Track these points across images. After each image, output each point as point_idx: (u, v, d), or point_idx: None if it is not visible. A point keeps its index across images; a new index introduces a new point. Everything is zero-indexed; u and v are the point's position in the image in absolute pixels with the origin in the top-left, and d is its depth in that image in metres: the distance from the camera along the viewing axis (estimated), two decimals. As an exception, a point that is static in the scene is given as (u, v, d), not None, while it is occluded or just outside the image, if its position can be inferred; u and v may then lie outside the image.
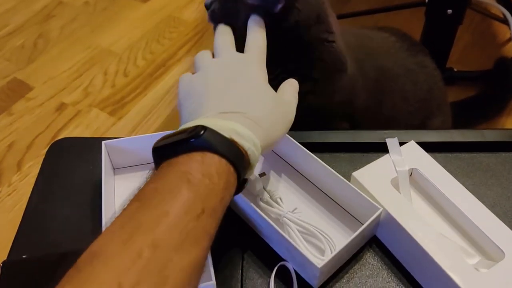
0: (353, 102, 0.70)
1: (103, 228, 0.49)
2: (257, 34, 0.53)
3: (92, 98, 1.38)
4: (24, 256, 0.52)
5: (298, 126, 0.51)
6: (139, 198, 0.37)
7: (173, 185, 0.37)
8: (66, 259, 0.50)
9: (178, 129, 0.42)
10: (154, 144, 0.42)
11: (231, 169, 0.40)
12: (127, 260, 0.32)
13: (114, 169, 0.60)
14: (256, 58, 0.51)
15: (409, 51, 0.81)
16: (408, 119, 0.79)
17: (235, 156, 0.41)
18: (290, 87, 0.52)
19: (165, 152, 0.41)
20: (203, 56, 0.52)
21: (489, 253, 0.50)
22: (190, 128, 0.41)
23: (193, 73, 0.51)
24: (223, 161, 0.40)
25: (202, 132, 0.40)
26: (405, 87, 0.78)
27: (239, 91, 0.47)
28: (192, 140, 0.39)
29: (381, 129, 0.62)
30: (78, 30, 1.59)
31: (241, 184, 0.44)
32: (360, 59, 0.70)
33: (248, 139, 0.42)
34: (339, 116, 0.71)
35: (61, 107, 1.36)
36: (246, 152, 0.41)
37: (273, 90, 0.49)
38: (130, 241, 0.33)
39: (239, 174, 0.41)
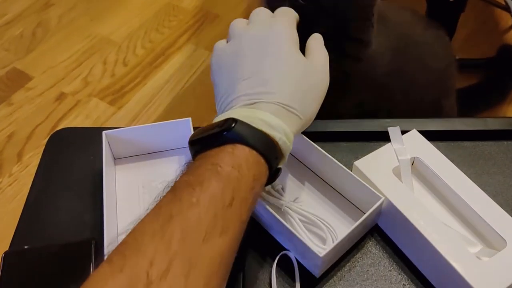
0: (374, 71, 0.71)
1: (105, 219, 0.49)
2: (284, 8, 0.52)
3: (92, 87, 1.38)
4: (25, 247, 0.52)
5: None
6: (173, 189, 0.39)
7: (203, 177, 0.39)
8: (67, 250, 0.51)
9: (212, 123, 0.43)
10: (190, 138, 0.43)
11: (262, 160, 0.41)
12: (156, 250, 0.34)
13: (114, 159, 0.60)
14: (287, 21, 0.50)
15: (427, 24, 0.81)
16: (426, 93, 0.78)
17: (266, 147, 0.42)
18: (317, 43, 0.51)
19: (200, 145, 0.42)
20: (237, 23, 0.51)
21: (491, 241, 0.50)
22: (222, 121, 0.42)
23: (227, 41, 0.51)
24: (253, 152, 0.41)
25: (233, 124, 0.41)
26: (424, 56, 0.78)
27: (270, 70, 0.46)
28: (225, 133, 0.41)
29: (398, 105, 0.62)
30: (77, 19, 1.58)
31: (274, 173, 0.44)
32: (380, 27, 0.70)
33: (279, 129, 0.42)
34: (358, 88, 0.72)
35: (61, 96, 1.36)
36: (277, 143, 0.42)
37: (304, 59, 0.48)
38: (160, 232, 0.35)
39: (271, 164, 0.42)
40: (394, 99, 0.75)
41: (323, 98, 0.48)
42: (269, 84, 0.45)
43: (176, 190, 0.39)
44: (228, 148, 0.40)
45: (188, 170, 0.41)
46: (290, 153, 0.59)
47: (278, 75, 0.46)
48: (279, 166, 0.45)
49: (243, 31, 0.49)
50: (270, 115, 0.43)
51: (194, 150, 0.43)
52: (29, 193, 0.58)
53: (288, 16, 0.50)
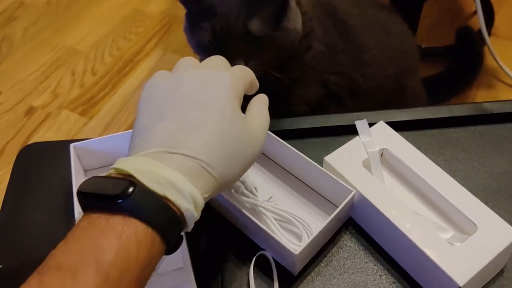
0: (327, 53, 0.72)
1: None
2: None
3: (62, 99, 1.36)
4: (0, 267, 0.51)
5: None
6: (40, 274, 0.33)
7: (79, 263, 0.33)
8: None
9: (110, 170, 0.38)
10: (79, 187, 0.37)
11: (158, 239, 0.35)
12: None
13: (85, 171, 0.59)
14: (239, 77, 0.45)
15: (379, 7, 0.83)
16: (384, 71, 0.79)
17: (166, 223, 0.36)
18: (260, 104, 0.47)
19: (89, 201, 0.36)
20: (188, 59, 0.46)
21: (462, 227, 0.51)
22: (120, 181, 0.36)
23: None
24: (149, 230, 0.35)
25: (130, 190, 0.35)
26: (375, 32, 0.79)
27: (200, 119, 0.40)
28: (119, 201, 0.34)
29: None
30: (42, 31, 1.56)
31: (174, 244, 0.38)
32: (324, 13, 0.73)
33: (187, 195, 0.36)
34: (318, 71, 0.73)
35: (30, 111, 1.34)
36: (182, 213, 0.36)
37: (241, 119, 0.42)
38: None
39: (169, 241, 0.37)
40: (354, 78, 0.76)
41: (251, 164, 0.43)
42: (193, 135, 0.39)
43: (43, 276, 0.32)
44: (119, 223, 0.34)
45: (65, 245, 0.34)
46: (262, 152, 0.59)
47: (206, 128, 0.40)
48: (182, 233, 0.39)
49: (190, 68, 0.44)
50: (181, 176, 0.37)
51: (83, 203, 0.37)
52: (0, 211, 0.57)
53: (243, 73, 0.46)
